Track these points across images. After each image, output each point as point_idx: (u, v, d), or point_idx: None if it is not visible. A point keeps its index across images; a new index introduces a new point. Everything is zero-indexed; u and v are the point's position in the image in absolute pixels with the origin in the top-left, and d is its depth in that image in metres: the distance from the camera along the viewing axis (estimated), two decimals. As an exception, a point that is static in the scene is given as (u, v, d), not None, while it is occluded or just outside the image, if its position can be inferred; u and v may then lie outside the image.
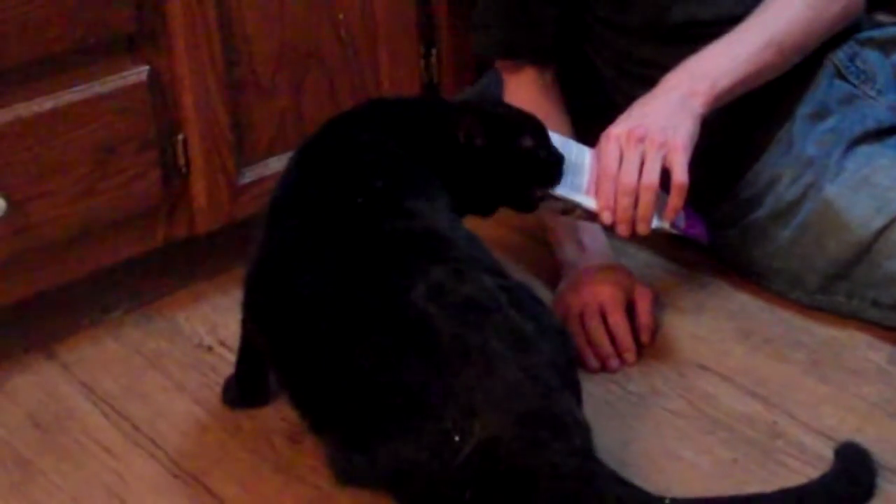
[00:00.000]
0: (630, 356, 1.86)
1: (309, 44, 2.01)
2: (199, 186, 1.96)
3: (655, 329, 1.90)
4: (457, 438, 1.45)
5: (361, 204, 1.60)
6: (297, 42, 2.00)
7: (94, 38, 1.80)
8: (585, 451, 1.49)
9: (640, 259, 2.08)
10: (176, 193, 1.95)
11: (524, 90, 2.04)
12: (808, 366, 1.84)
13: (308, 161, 1.70)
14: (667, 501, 1.49)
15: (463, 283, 1.52)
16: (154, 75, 1.87)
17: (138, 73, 1.86)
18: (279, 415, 1.78)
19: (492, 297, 1.53)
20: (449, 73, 2.18)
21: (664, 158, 1.73)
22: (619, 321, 1.87)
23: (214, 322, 1.99)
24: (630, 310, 1.89)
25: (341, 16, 2.03)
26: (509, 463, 1.44)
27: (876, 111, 1.94)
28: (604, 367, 1.83)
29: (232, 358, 1.88)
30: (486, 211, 1.78)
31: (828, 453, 1.65)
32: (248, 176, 2.01)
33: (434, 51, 2.17)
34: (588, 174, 1.75)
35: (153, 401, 1.82)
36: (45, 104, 1.79)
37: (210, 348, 1.93)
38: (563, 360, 1.55)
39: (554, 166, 1.74)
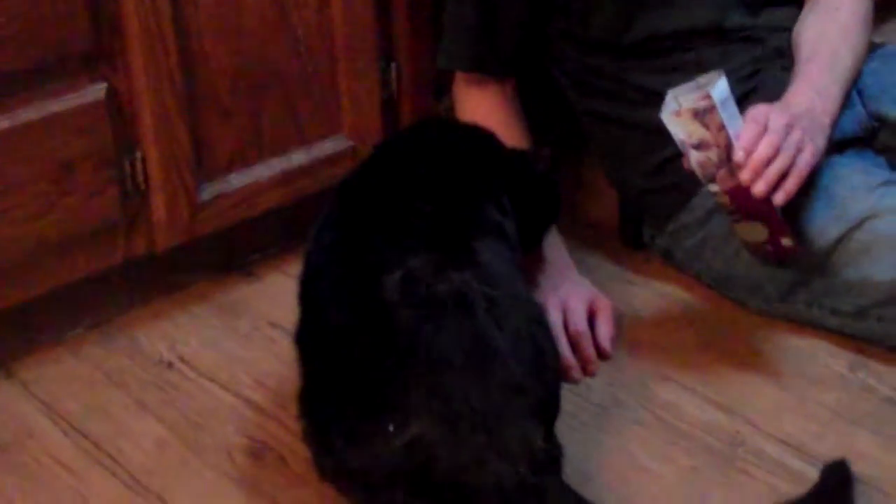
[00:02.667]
0: (593, 367, 1.86)
1: (267, 60, 2.01)
2: (158, 203, 1.95)
3: (616, 340, 1.90)
4: (391, 428, 1.46)
5: (393, 185, 1.67)
6: (256, 58, 1.99)
7: (52, 57, 1.79)
8: (537, 473, 1.48)
9: (602, 270, 2.08)
10: (135, 210, 1.94)
11: (487, 102, 2.05)
12: (768, 374, 1.84)
13: (376, 151, 1.82)
14: None
15: (439, 279, 1.53)
16: (112, 93, 1.86)
17: (96, 91, 1.85)
18: (240, 431, 1.77)
19: (465, 301, 1.53)
20: (408, 87, 2.18)
21: (798, 150, 1.77)
22: (581, 332, 1.87)
23: (175, 339, 1.98)
24: (590, 321, 1.89)
25: (300, 31, 2.03)
26: (445, 473, 1.46)
27: (842, 124, 1.95)
28: (566, 379, 1.83)
29: (193, 375, 1.88)
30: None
31: (789, 461, 1.67)
32: (208, 193, 2.01)
33: (393, 66, 2.16)
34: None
35: (114, 418, 1.81)
36: (2, 123, 1.77)
37: (170, 365, 1.92)
38: (535, 384, 1.54)
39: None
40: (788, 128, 1.76)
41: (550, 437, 1.55)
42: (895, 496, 1.61)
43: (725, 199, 1.78)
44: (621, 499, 1.61)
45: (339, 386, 1.53)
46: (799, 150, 1.77)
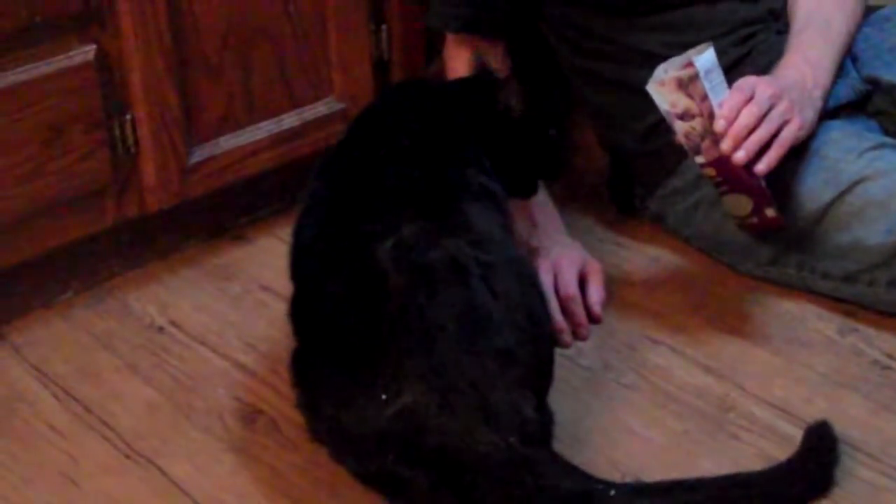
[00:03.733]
0: (583, 331, 1.86)
1: (257, 20, 2.00)
2: (148, 166, 1.94)
3: (607, 303, 1.90)
4: (384, 397, 1.47)
5: (380, 157, 1.65)
6: (245, 19, 1.98)
7: (41, 18, 1.78)
8: (527, 443, 1.49)
9: (592, 234, 2.08)
10: (125, 173, 1.93)
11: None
12: (758, 338, 1.85)
13: (354, 124, 1.79)
14: (612, 493, 1.49)
15: (432, 246, 1.52)
16: (101, 55, 1.85)
17: (85, 53, 1.84)
18: (232, 394, 1.77)
19: (458, 267, 1.52)
20: (399, 49, 2.18)
21: (783, 122, 1.76)
22: (571, 296, 1.87)
23: (165, 302, 1.98)
24: (581, 285, 1.89)
25: (289, -8, 2.02)
26: (435, 442, 1.46)
27: (836, 91, 1.95)
28: (557, 343, 1.83)
29: (184, 338, 1.88)
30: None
31: (779, 425, 1.67)
32: (198, 155, 2.00)
33: (384, 27, 2.15)
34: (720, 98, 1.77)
35: (104, 382, 1.81)
36: (-10, 85, 1.77)
37: (161, 329, 1.92)
38: (528, 352, 1.54)
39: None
40: (774, 98, 1.76)
41: (542, 405, 1.55)
42: (883, 460, 1.62)
43: (711, 171, 1.78)
44: (611, 463, 1.62)
45: (333, 354, 1.53)
46: (785, 122, 1.76)
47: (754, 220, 1.84)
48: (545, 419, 1.55)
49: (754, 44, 1.98)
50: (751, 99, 1.74)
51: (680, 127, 1.75)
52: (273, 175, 2.10)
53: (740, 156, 1.72)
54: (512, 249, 1.66)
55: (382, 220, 1.56)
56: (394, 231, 1.53)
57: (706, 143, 1.75)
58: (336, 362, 1.52)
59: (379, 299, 1.50)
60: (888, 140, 1.93)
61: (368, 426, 1.48)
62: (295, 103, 2.09)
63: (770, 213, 1.82)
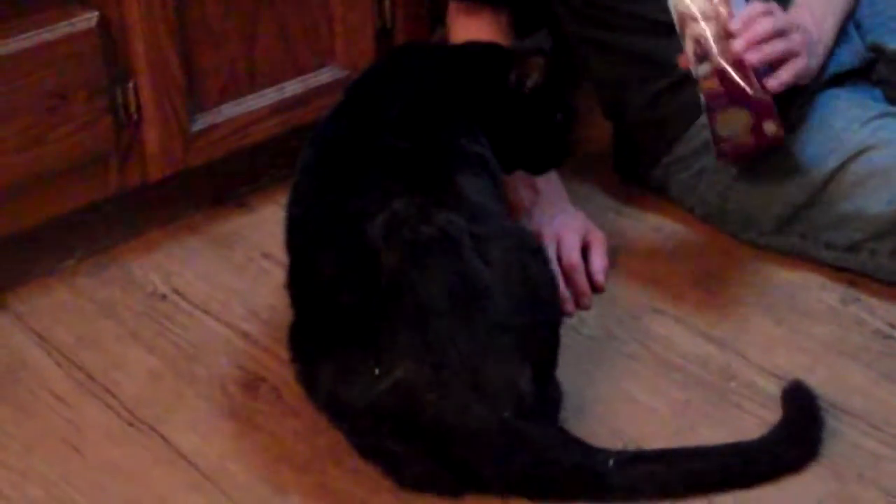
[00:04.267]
0: (586, 300, 1.86)
1: (260, -12, 1.99)
2: (150, 133, 1.94)
3: (609, 272, 1.90)
4: (377, 371, 1.47)
5: (369, 128, 1.64)
6: (248, -14, 1.98)
7: (42, -15, 1.78)
8: (523, 417, 1.49)
9: (595, 202, 2.08)
10: (128, 141, 1.93)
11: (481, 33, 2.03)
12: (761, 308, 1.85)
13: (348, 91, 1.78)
14: (611, 462, 1.49)
15: (424, 221, 1.52)
16: (104, 21, 1.85)
17: (88, 20, 1.83)
18: (234, 363, 1.78)
19: (450, 241, 1.52)
20: (402, 16, 2.17)
21: (793, 53, 1.75)
22: (574, 265, 1.87)
23: (168, 270, 1.98)
24: (584, 254, 1.89)
25: (293, -41, 2.01)
26: (430, 417, 1.46)
27: (839, 57, 1.94)
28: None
29: (186, 306, 1.88)
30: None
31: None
32: (201, 122, 2.00)
33: (387, -6, 2.15)
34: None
35: (107, 350, 1.82)
36: (-8, 51, 1.77)
37: (164, 296, 1.92)
38: (525, 323, 1.54)
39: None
40: (791, 26, 1.75)
41: (546, 377, 1.55)
42: (885, 429, 1.62)
43: (713, 83, 1.74)
44: (613, 432, 1.62)
45: (328, 331, 1.53)
46: (796, 53, 1.75)
47: (750, 139, 1.77)
48: (548, 392, 1.54)
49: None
50: (770, 14, 1.73)
51: (691, 30, 1.73)
52: (275, 143, 2.09)
53: (753, 56, 1.70)
54: (507, 220, 1.65)
55: (373, 194, 1.55)
56: (384, 206, 1.52)
57: (717, 49, 1.72)
58: (331, 337, 1.53)
59: (372, 277, 1.50)
60: (892, 109, 1.93)
61: (363, 400, 1.48)
62: (298, 71, 2.08)
63: (769, 127, 1.76)
